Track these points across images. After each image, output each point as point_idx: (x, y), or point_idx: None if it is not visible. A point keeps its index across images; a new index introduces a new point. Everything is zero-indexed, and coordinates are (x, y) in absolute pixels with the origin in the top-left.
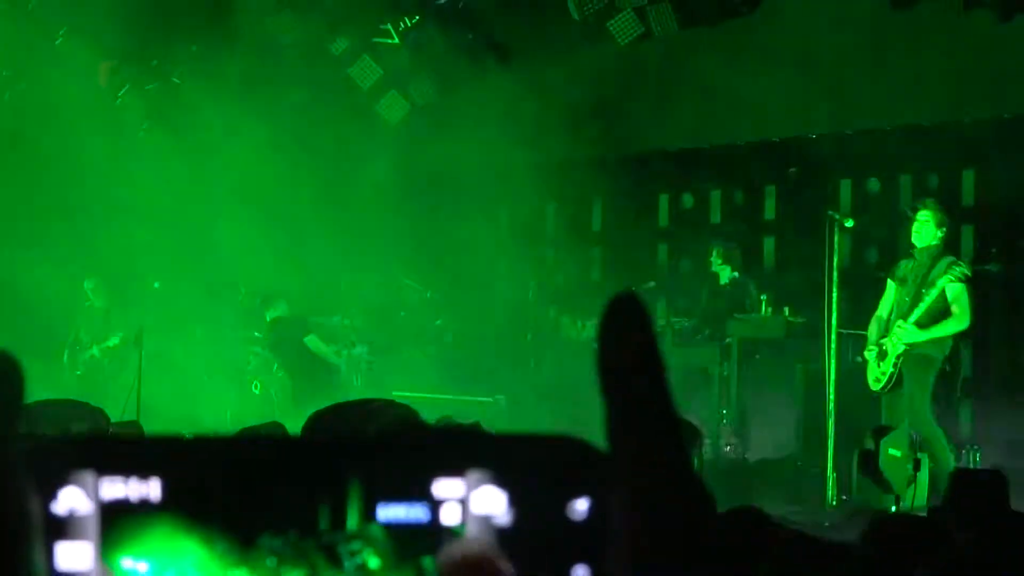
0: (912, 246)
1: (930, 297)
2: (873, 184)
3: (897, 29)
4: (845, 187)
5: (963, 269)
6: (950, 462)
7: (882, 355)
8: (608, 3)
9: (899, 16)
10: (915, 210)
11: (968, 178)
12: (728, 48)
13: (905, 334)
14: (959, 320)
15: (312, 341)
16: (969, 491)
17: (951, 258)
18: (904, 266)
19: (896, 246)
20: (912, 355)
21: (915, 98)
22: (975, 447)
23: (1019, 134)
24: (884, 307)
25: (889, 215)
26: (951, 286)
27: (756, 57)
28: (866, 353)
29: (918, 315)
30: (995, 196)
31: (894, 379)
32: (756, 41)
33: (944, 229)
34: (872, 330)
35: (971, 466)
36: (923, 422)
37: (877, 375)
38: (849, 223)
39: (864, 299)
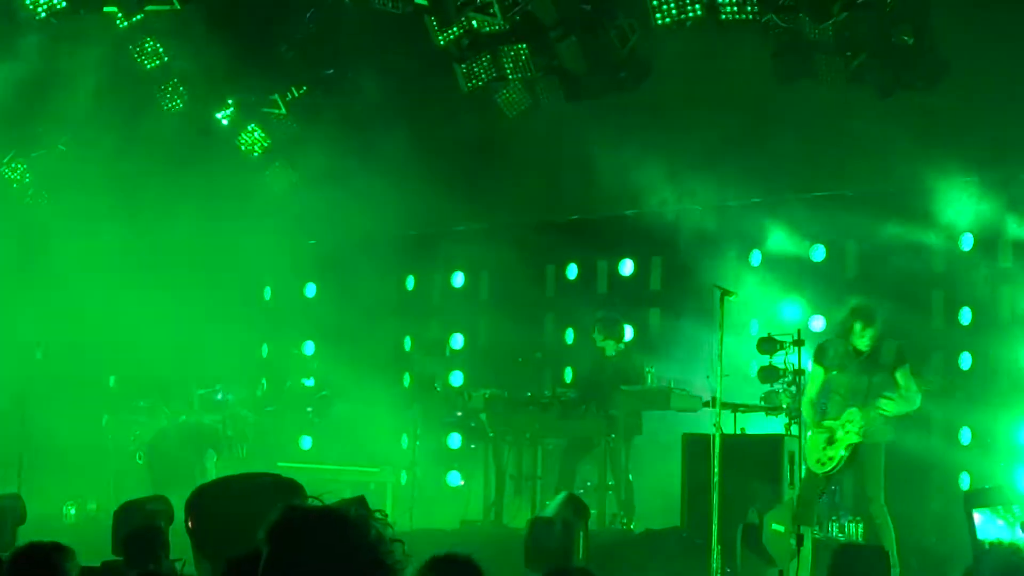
0: (845, 335)
1: (887, 382)
2: (755, 256)
3: (780, 104)
4: (730, 259)
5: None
6: (894, 548)
7: (831, 440)
8: (496, 76)
9: (783, 92)
10: (861, 328)
11: (851, 247)
12: (614, 121)
13: (881, 409)
14: (913, 401)
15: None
16: (852, 567)
17: (894, 342)
18: (834, 351)
19: (778, 319)
20: (865, 444)
21: (799, 171)
22: (857, 518)
23: (900, 205)
24: (813, 389)
25: (772, 286)
26: (902, 370)
27: (641, 130)
28: (809, 436)
29: (879, 401)
30: (875, 266)
31: (842, 464)
32: (641, 115)
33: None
34: (807, 413)
35: (852, 539)
36: (879, 512)
37: (823, 459)
38: (733, 296)
39: (749, 371)
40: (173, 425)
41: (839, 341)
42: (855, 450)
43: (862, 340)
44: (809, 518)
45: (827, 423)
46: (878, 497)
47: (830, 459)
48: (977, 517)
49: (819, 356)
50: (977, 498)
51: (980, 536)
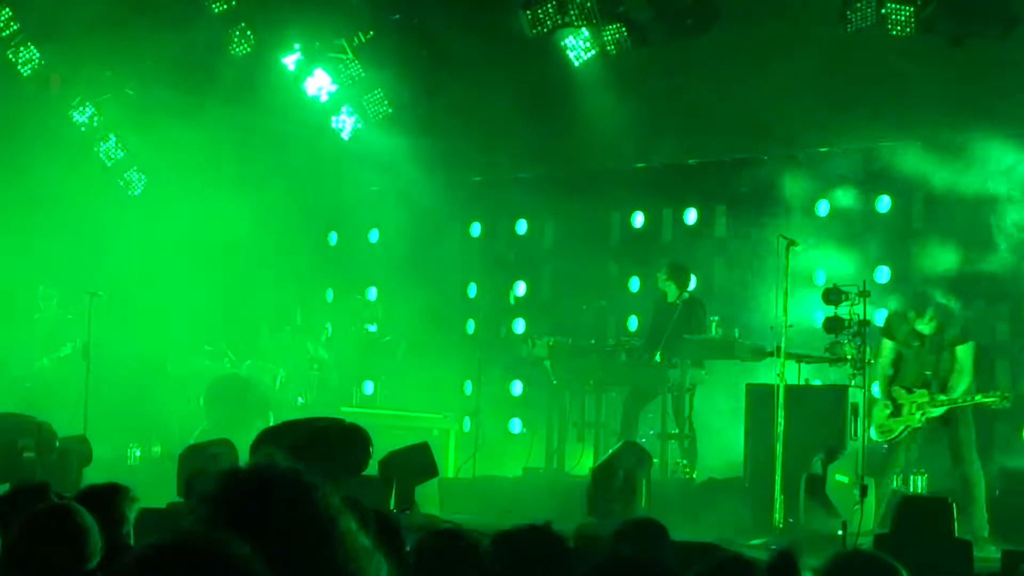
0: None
1: (951, 359)
2: (821, 206)
3: (849, 52)
4: (796, 209)
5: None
6: (984, 509)
7: (896, 413)
8: (562, 22)
9: (852, 39)
10: (915, 316)
11: (918, 197)
12: (679, 69)
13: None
14: (968, 378)
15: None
16: (914, 518)
17: (959, 321)
18: (900, 329)
19: (842, 268)
20: (954, 409)
21: (866, 120)
22: (921, 470)
23: (969, 155)
24: (886, 361)
25: (838, 236)
26: (964, 347)
27: (707, 78)
28: (875, 410)
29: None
30: (942, 216)
31: (900, 437)
32: (707, 62)
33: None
34: (881, 383)
35: (915, 491)
36: (973, 472)
37: (885, 428)
38: (799, 247)
39: (814, 321)
40: (234, 374)
41: (905, 319)
42: (943, 414)
43: (928, 326)
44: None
45: (897, 393)
46: (972, 458)
47: (891, 430)
48: None
49: (887, 331)
50: None
51: None
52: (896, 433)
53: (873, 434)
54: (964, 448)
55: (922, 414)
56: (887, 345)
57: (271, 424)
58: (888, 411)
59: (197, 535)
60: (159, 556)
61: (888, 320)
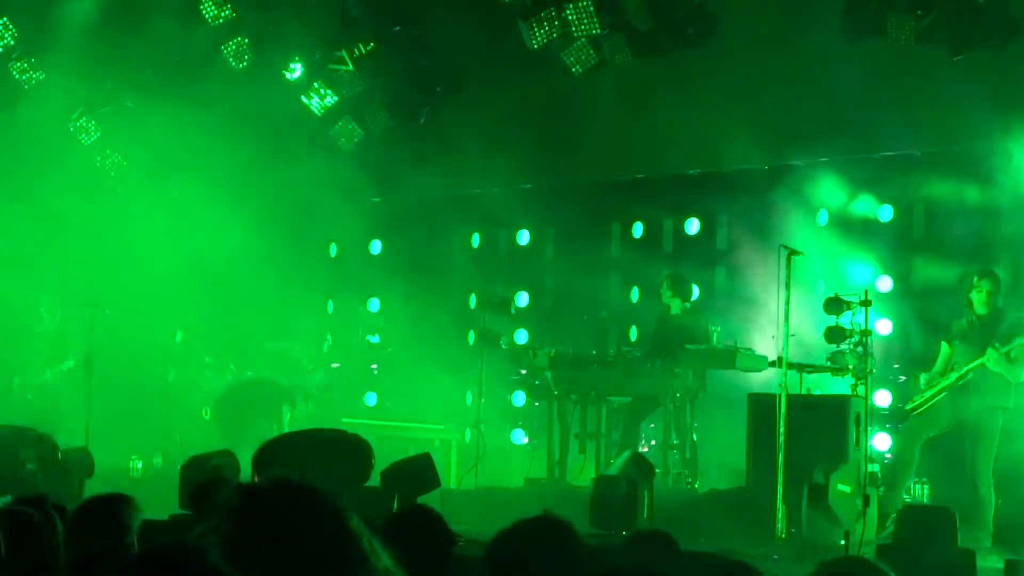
0: (969, 304)
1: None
2: (822, 215)
3: (849, 62)
4: (797, 219)
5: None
6: (990, 522)
7: (930, 385)
8: (562, 33)
9: (852, 49)
10: (977, 280)
11: (919, 208)
12: (680, 79)
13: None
14: (1017, 374)
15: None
16: (917, 527)
17: (1015, 316)
18: (958, 326)
19: (843, 277)
20: (983, 409)
21: (868, 130)
22: (922, 479)
23: (969, 165)
24: (938, 364)
25: (839, 246)
26: (1018, 339)
27: (708, 88)
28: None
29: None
30: (943, 226)
31: (925, 405)
32: (708, 72)
33: (1001, 293)
34: (929, 377)
35: (917, 500)
36: (984, 483)
37: (917, 399)
38: (800, 256)
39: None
40: (242, 380)
41: (963, 317)
42: (971, 416)
43: (979, 295)
44: (906, 476)
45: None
46: (987, 468)
47: (920, 395)
48: None
49: (946, 332)
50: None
51: None
52: (923, 400)
53: (906, 406)
54: (980, 468)
55: (958, 375)
56: (944, 349)
57: (287, 421)
58: (924, 384)
59: (171, 544)
60: (137, 565)
61: (948, 324)
